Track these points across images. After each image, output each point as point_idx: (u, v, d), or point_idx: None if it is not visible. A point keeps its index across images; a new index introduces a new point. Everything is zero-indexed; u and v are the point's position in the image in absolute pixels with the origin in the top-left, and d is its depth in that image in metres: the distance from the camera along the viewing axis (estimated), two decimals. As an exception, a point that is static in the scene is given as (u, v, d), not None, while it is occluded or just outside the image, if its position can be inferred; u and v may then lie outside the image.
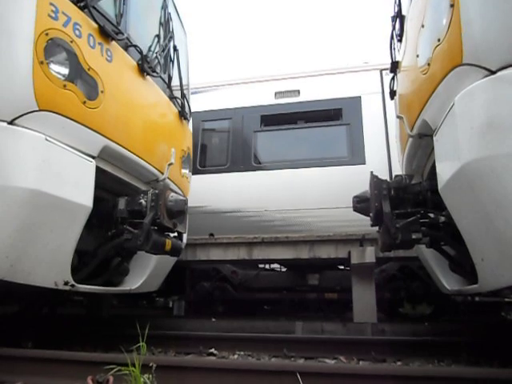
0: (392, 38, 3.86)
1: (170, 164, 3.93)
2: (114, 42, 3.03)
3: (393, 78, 4.00)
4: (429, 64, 2.50)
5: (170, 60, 4.19)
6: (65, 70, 2.50)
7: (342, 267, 5.99)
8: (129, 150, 3.18)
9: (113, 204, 3.25)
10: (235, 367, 2.17)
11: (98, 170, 2.83)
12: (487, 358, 3.03)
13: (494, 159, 1.89)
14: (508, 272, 2.04)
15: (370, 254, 4.52)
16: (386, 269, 5.33)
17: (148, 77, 3.58)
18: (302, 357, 3.31)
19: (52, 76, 2.40)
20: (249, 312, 6.37)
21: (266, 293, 6.11)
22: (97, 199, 2.79)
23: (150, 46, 3.73)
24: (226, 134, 6.54)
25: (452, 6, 2.11)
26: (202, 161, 6.49)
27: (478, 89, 1.98)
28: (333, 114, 6.10)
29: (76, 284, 2.77)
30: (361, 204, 3.30)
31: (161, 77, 3.97)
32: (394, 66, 3.85)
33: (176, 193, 3.63)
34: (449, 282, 3.28)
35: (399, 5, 3.69)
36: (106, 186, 3.24)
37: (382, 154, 5.66)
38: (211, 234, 5.66)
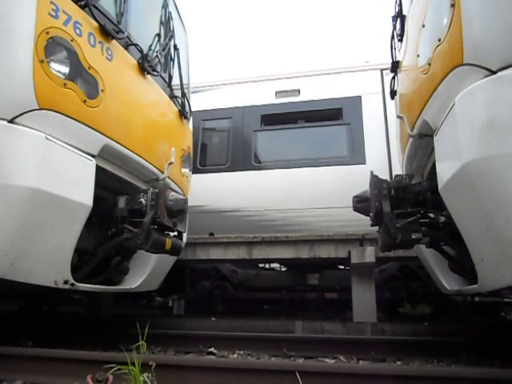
0: (393, 37, 3.85)
1: (170, 163, 3.93)
2: (114, 41, 3.03)
3: (393, 78, 4.00)
4: (429, 64, 2.50)
5: (171, 59, 4.18)
6: (65, 69, 2.50)
7: (341, 267, 5.99)
8: (129, 149, 3.18)
9: (113, 203, 3.26)
10: (235, 366, 2.18)
11: (98, 169, 2.83)
12: (487, 358, 3.03)
13: (494, 159, 1.89)
14: (508, 272, 2.04)
15: (369, 254, 4.52)
16: (386, 268, 5.32)
17: (148, 76, 3.58)
18: (301, 356, 3.31)
19: (52, 75, 2.40)
20: (249, 311, 6.36)
21: (265, 292, 6.08)
22: (97, 198, 2.79)
23: (151, 45, 3.73)
24: (227, 133, 6.54)
25: (453, 5, 2.11)
26: (202, 160, 6.48)
27: (478, 89, 1.98)
28: (333, 114, 6.10)
29: (76, 283, 2.77)
30: (361, 204, 3.30)
31: (161, 76, 3.96)
32: (395, 66, 3.85)
33: (176, 192, 3.64)
34: (448, 282, 3.28)
35: (400, 4, 3.69)
36: (106, 184, 3.24)
37: (383, 153, 5.66)
38: (211, 234, 5.66)
